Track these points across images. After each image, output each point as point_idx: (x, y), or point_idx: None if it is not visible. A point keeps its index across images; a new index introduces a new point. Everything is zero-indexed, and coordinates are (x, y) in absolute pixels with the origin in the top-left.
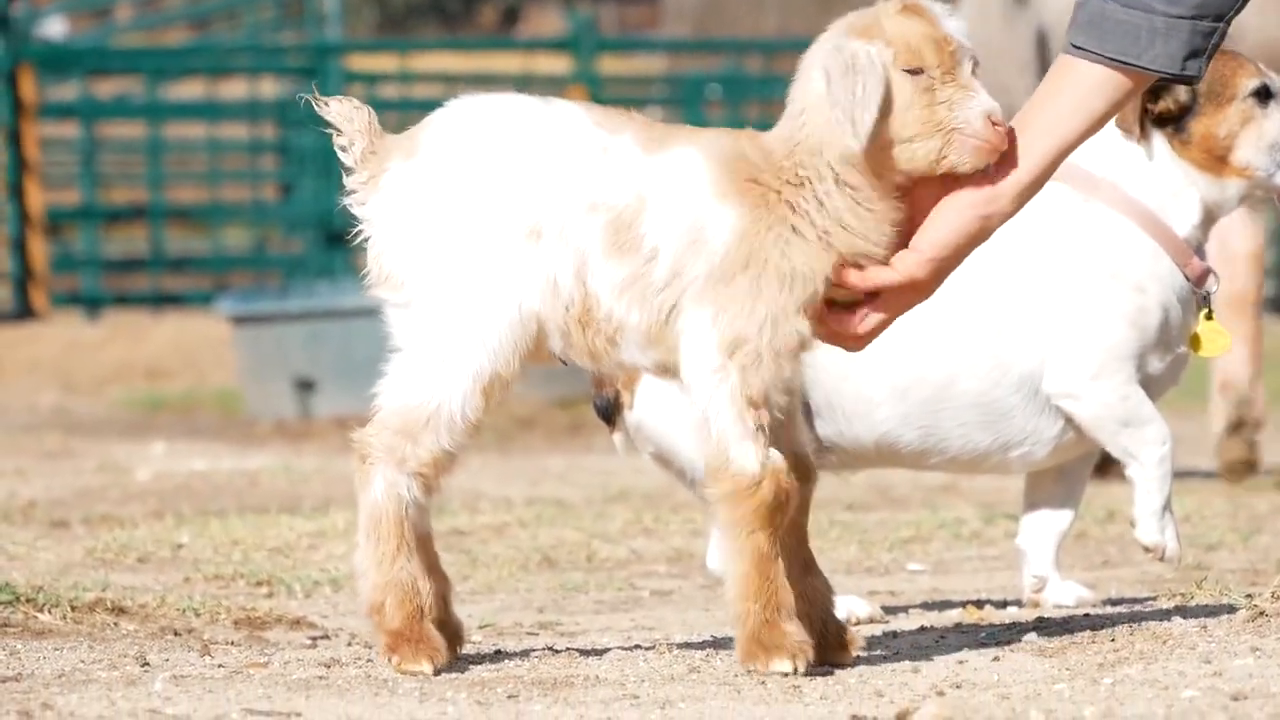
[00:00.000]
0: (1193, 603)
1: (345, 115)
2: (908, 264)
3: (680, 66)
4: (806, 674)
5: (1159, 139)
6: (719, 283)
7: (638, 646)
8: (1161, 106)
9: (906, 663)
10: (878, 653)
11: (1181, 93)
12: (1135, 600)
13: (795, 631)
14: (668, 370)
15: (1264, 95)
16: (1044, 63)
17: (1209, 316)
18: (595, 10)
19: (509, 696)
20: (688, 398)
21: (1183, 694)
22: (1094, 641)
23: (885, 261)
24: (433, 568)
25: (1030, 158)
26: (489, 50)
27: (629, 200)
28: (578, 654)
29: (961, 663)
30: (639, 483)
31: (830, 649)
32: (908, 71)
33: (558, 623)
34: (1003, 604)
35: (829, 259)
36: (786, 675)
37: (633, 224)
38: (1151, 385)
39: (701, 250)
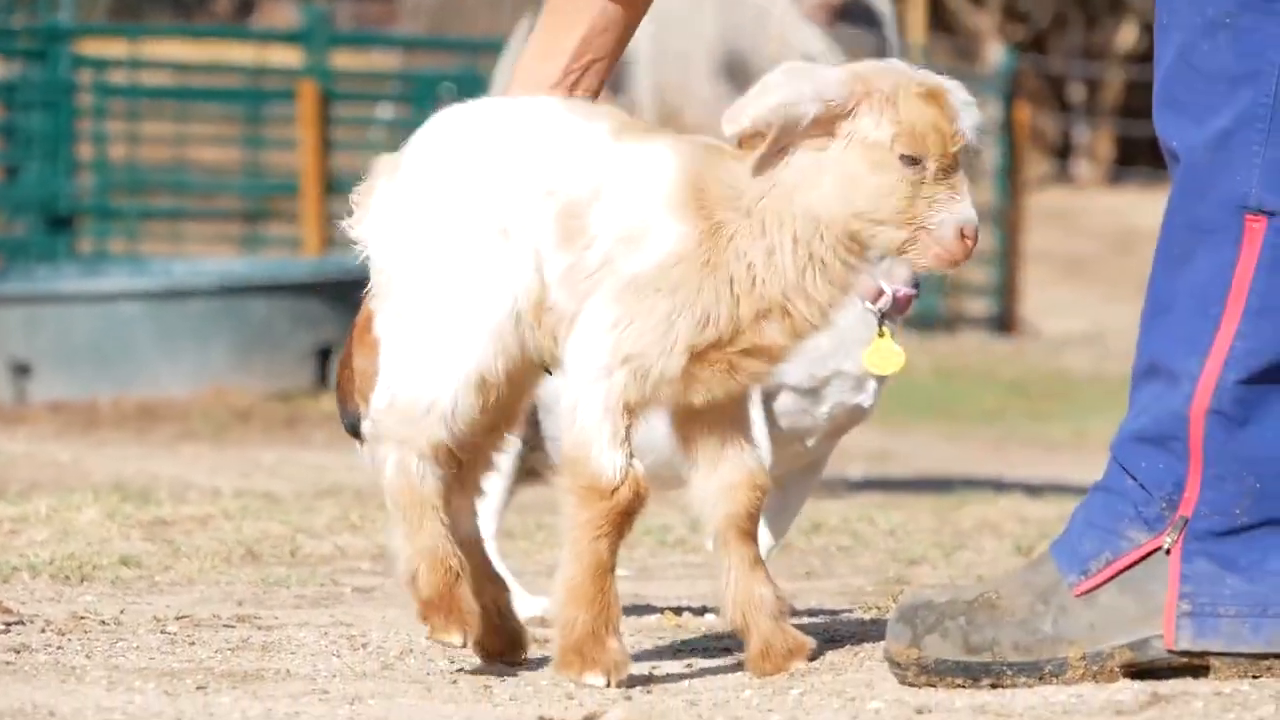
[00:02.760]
0: (888, 616)
1: None
2: None
3: (415, 64)
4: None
5: None
6: (638, 292)
7: (333, 642)
8: None
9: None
10: None
11: None
12: (833, 612)
13: (617, 648)
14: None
15: None
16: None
17: (882, 334)
18: (331, 4)
19: (198, 688)
20: (564, 381)
21: (869, 705)
22: None
23: (818, 329)
24: (488, 575)
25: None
26: (221, 39)
27: (585, 191)
28: (272, 648)
29: (654, 668)
30: (351, 479)
31: (791, 655)
32: (905, 157)
33: (256, 616)
34: (701, 611)
35: (752, 310)
36: (598, 688)
37: (583, 213)
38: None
39: (634, 253)
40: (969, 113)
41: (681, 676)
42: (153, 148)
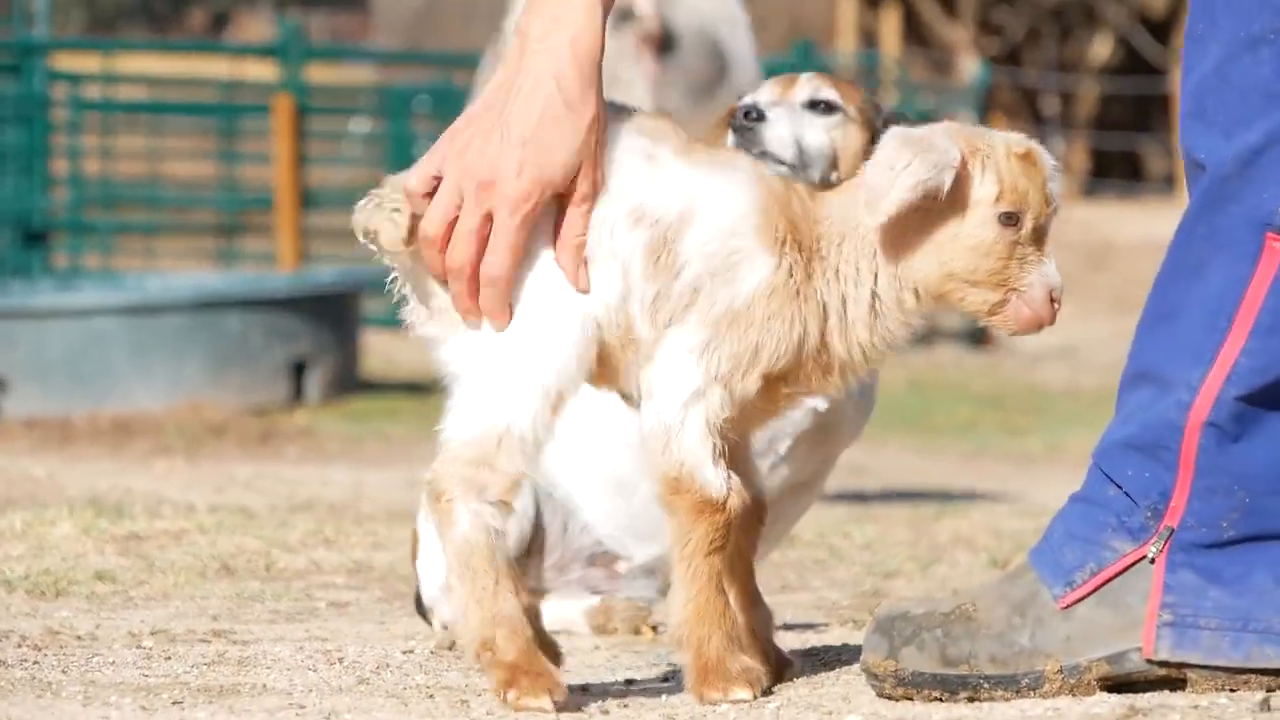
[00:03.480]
0: (864, 629)
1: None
2: None
3: (389, 78)
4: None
5: None
6: (732, 322)
7: (309, 657)
8: None
9: (575, 679)
10: None
11: None
12: (808, 625)
13: (748, 659)
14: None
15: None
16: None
17: None
18: (306, 18)
19: (174, 703)
20: (647, 404)
21: (846, 718)
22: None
23: (857, 378)
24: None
25: None
26: (196, 53)
27: (673, 218)
28: (248, 663)
29: (630, 682)
30: (325, 493)
31: (777, 674)
32: (1005, 215)
33: (231, 631)
34: None
35: (817, 361)
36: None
37: (673, 242)
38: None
39: (726, 285)
40: (1055, 183)
41: (659, 690)
42: (127, 162)
